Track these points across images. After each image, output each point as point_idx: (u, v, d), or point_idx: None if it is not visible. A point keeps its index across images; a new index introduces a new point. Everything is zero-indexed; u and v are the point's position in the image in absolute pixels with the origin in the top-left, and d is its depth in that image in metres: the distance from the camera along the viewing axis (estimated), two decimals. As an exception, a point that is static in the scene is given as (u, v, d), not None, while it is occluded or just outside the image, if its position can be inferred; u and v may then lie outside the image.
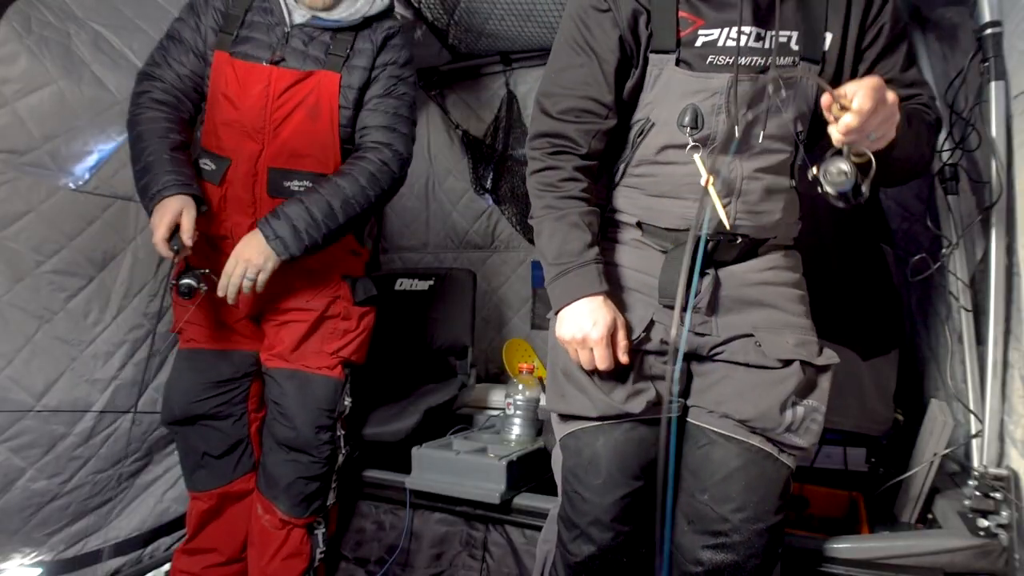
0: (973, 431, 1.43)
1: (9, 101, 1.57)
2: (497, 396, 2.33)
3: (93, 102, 1.73)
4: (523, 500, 1.74)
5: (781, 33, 1.14)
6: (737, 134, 1.13)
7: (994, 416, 1.37)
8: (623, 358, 1.19)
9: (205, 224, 1.60)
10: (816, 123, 1.21)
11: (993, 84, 1.37)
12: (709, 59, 1.16)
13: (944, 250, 1.53)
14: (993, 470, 1.34)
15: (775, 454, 1.18)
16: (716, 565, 1.15)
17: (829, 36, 1.17)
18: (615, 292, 1.27)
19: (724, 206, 1.17)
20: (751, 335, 1.22)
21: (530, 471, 1.81)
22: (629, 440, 1.20)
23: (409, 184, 2.93)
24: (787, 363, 1.20)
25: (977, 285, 1.48)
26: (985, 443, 1.37)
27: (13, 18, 1.56)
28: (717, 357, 1.25)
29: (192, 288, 1.52)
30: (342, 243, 1.76)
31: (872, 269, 1.93)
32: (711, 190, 1.11)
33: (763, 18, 1.14)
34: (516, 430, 1.97)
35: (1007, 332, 1.36)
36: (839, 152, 1.00)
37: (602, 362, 1.18)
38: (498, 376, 2.71)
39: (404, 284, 2.54)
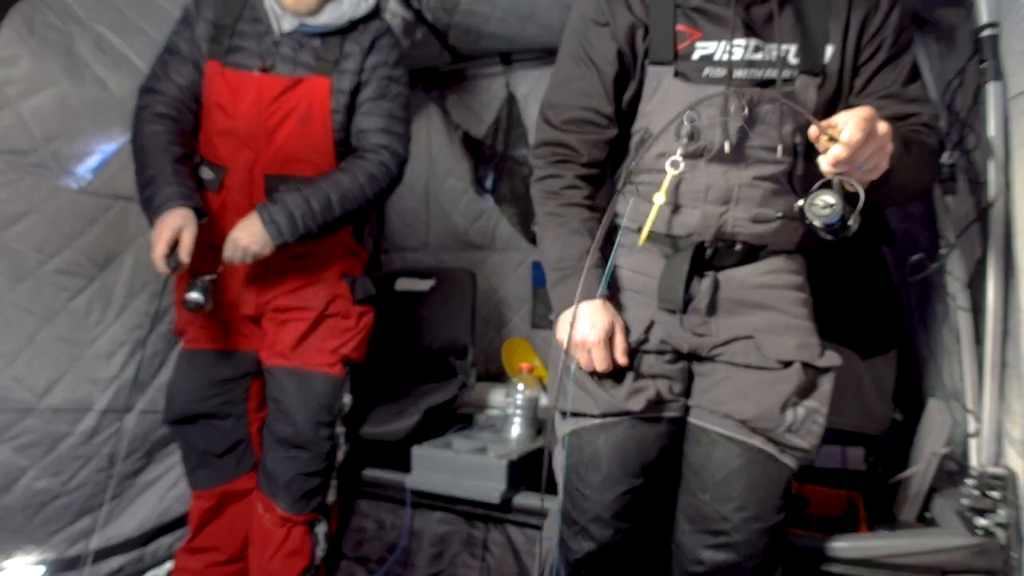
0: (971, 430, 1.43)
1: (11, 102, 1.57)
2: (497, 396, 2.33)
3: (95, 103, 1.73)
4: (523, 499, 1.74)
5: (780, 46, 1.15)
6: (727, 149, 1.15)
7: (992, 415, 1.37)
8: (621, 360, 1.21)
9: (206, 232, 1.62)
10: None
11: (991, 85, 1.36)
12: (705, 72, 1.17)
13: (942, 250, 1.54)
14: (991, 469, 1.34)
15: (776, 454, 1.19)
16: (717, 565, 1.16)
17: (830, 48, 1.17)
18: (616, 293, 1.29)
19: (721, 213, 1.20)
20: (751, 337, 1.23)
21: (530, 470, 1.82)
22: (630, 438, 1.21)
23: (409, 184, 2.94)
24: (787, 364, 1.20)
25: (975, 285, 1.48)
26: (983, 442, 1.38)
27: (15, 19, 1.57)
28: (718, 358, 1.26)
29: (199, 304, 1.55)
30: (341, 243, 1.78)
31: (871, 269, 1.94)
32: (654, 211, 1.15)
33: (762, 31, 1.15)
34: (516, 430, 1.98)
35: (1005, 332, 1.36)
36: (827, 184, 0.99)
37: (600, 363, 1.20)
38: (498, 376, 2.71)
39: (404, 284, 2.54)
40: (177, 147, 1.64)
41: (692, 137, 1.15)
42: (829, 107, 1.20)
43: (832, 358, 1.23)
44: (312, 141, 1.67)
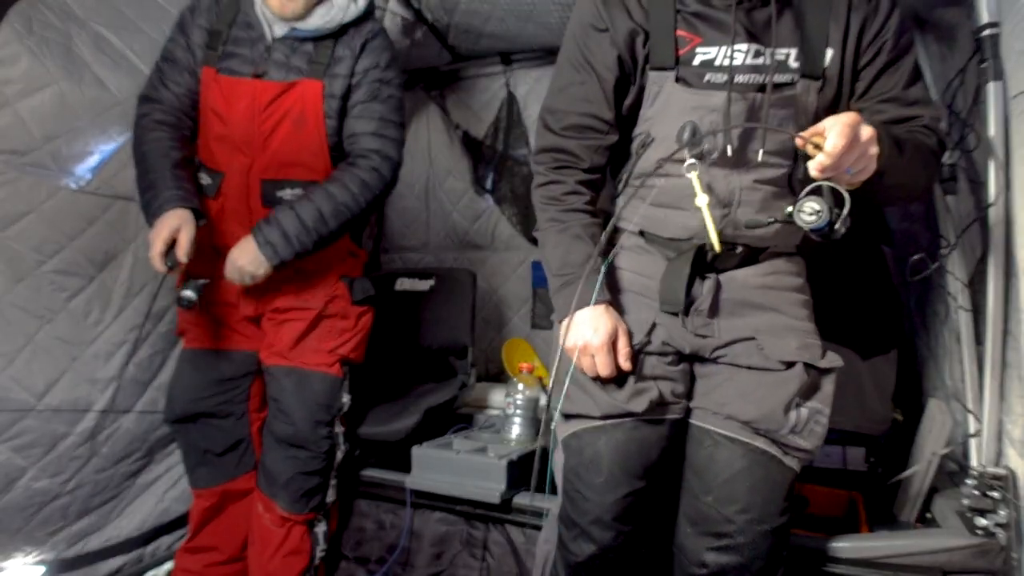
0: (971, 431, 1.43)
1: (10, 102, 1.57)
2: (497, 396, 2.33)
3: (94, 103, 1.73)
4: (523, 499, 1.74)
5: (779, 50, 1.15)
6: (729, 152, 1.15)
7: (992, 416, 1.37)
8: (625, 365, 1.21)
9: (206, 235, 1.64)
10: None
11: (991, 85, 1.37)
12: (707, 77, 1.17)
13: (943, 250, 1.54)
14: (991, 469, 1.34)
15: (779, 456, 1.18)
16: (721, 567, 1.16)
17: (830, 52, 1.17)
18: (618, 295, 1.29)
19: (723, 216, 1.20)
20: (753, 338, 1.23)
21: (530, 470, 1.81)
22: (631, 440, 1.21)
23: (409, 184, 2.95)
24: (790, 365, 1.20)
25: (976, 285, 1.48)
26: (983, 442, 1.38)
27: (14, 19, 1.56)
28: (720, 360, 1.26)
29: (192, 301, 1.57)
30: (340, 245, 1.78)
31: (871, 269, 1.93)
32: (705, 211, 1.14)
33: (762, 35, 1.15)
34: (516, 430, 1.98)
35: (1005, 332, 1.36)
36: (817, 190, 1.02)
37: (604, 369, 1.20)
38: (498, 376, 2.71)
39: (404, 284, 2.54)
40: (177, 152, 1.65)
41: (694, 142, 1.16)
42: (830, 110, 1.20)
43: (833, 359, 1.23)
44: (306, 145, 1.67)
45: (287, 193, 1.68)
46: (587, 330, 1.19)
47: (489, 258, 2.89)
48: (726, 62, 1.15)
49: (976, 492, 1.33)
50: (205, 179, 1.72)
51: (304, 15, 1.62)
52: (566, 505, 1.26)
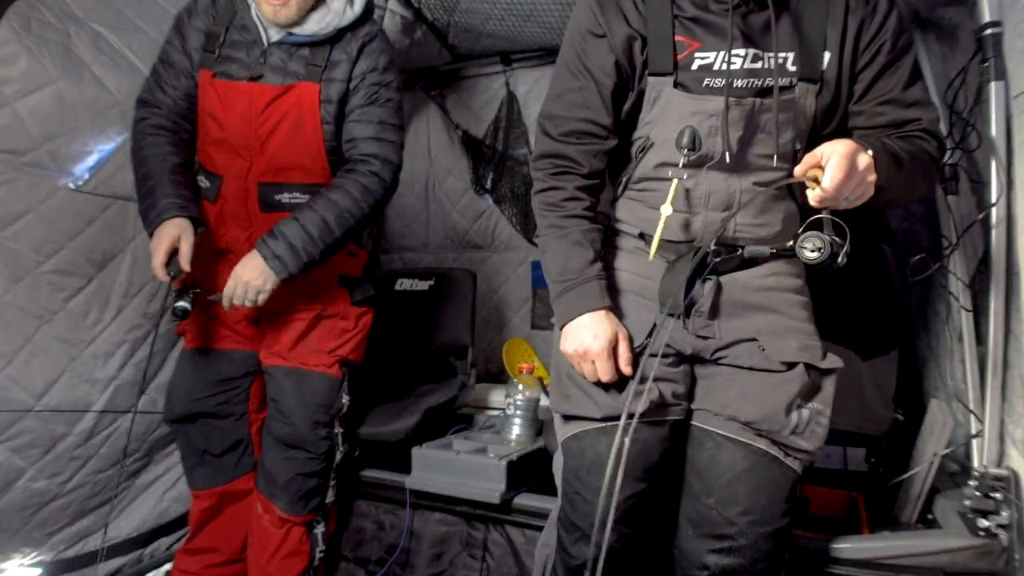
0: (973, 431, 1.43)
1: (9, 101, 1.57)
2: (497, 396, 2.32)
3: (93, 102, 1.73)
4: (523, 500, 1.74)
5: (778, 54, 1.15)
6: (727, 159, 1.16)
7: (994, 416, 1.37)
8: (626, 370, 1.21)
9: (207, 239, 1.65)
10: (815, 139, 1.22)
11: (993, 84, 1.36)
12: (705, 82, 1.17)
13: (944, 250, 1.53)
14: (993, 470, 1.34)
15: (781, 457, 1.18)
16: (722, 569, 1.15)
17: (828, 55, 1.17)
18: (619, 296, 1.29)
19: (723, 219, 1.21)
20: (754, 339, 1.23)
21: (530, 471, 1.81)
22: (632, 442, 1.20)
23: (409, 184, 2.95)
24: (791, 366, 1.20)
25: (977, 285, 1.48)
26: (985, 443, 1.37)
27: (13, 18, 1.56)
28: (721, 361, 1.25)
29: (187, 311, 1.57)
30: None
31: (872, 269, 1.93)
32: (662, 221, 1.17)
33: (759, 40, 1.15)
34: (516, 430, 1.97)
35: (1007, 332, 1.36)
36: (816, 223, 1.04)
37: (604, 374, 1.20)
38: (498, 376, 2.71)
39: (404, 284, 2.54)
40: (176, 157, 1.65)
41: (693, 147, 1.16)
42: (828, 113, 1.21)
43: (834, 360, 1.23)
44: (304, 148, 1.66)
45: (285, 197, 1.68)
46: (587, 336, 1.19)
47: (489, 258, 2.89)
48: (724, 67, 1.15)
49: (978, 493, 1.32)
50: (204, 182, 1.72)
51: (299, 20, 1.61)
52: (566, 508, 1.25)
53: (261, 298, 1.59)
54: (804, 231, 1.04)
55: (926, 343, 1.87)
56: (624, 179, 1.31)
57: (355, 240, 1.84)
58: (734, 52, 1.14)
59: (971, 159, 1.51)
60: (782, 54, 1.15)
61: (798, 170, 1.01)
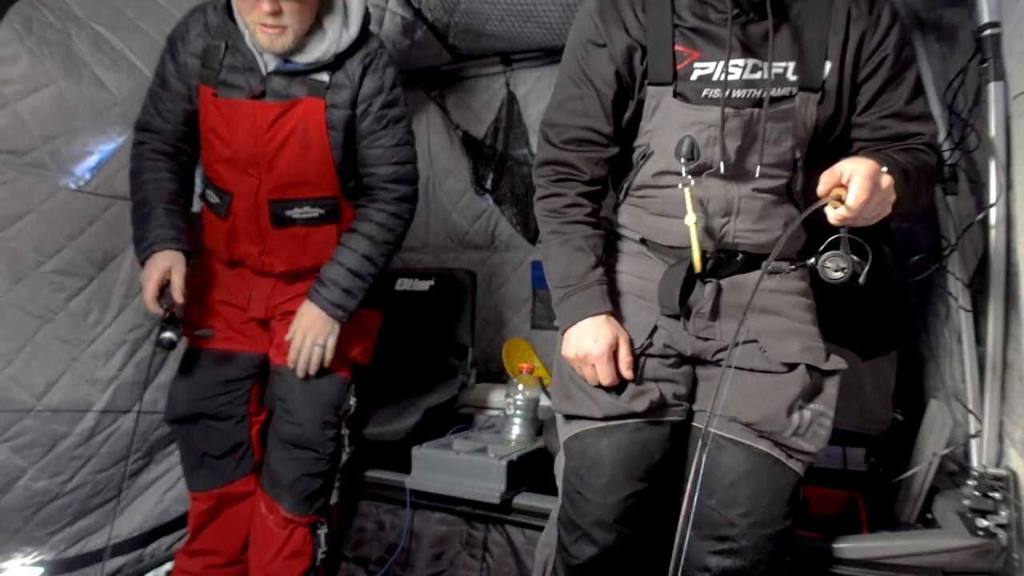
0: (972, 431, 1.43)
1: (10, 101, 1.57)
2: (497, 396, 2.33)
3: (93, 102, 1.73)
4: (523, 500, 1.74)
5: (777, 64, 1.16)
6: (723, 169, 1.17)
7: (993, 416, 1.37)
8: (627, 374, 1.22)
9: (223, 250, 1.73)
10: (815, 146, 1.23)
11: (992, 85, 1.36)
12: (704, 92, 1.18)
13: (943, 251, 1.54)
14: (992, 470, 1.34)
15: (783, 459, 1.18)
16: (724, 571, 1.15)
17: (829, 65, 1.17)
18: (619, 298, 1.30)
19: (722, 225, 1.22)
20: (755, 341, 1.23)
21: (530, 471, 1.81)
22: (633, 442, 1.21)
23: (409, 184, 2.94)
24: (792, 367, 1.21)
25: (976, 285, 1.48)
26: (984, 443, 1.37)
27: (14, 19, 1.56)
28: (722, 362, 1.26)
29: (173, 342, 1.59)
30: None
31: (872, 269, 1.93)
32: (692, 230, 1.17)
33: (758, 50, 1.16)
34: (516, 430, 1.97)
35: (1006, 332, 1.36)
36: (835, 243, 1.05)
37: (604, 378, 1.21)
38: (498, 376, 2.71)
39: (404, 284, 2.53)
40: (173, 183, 1.68)
41: (692, 157, 1.17)
42: (830, 124, 1.22)
43: (837, 362, 1.24)
44: (313, 164, 1.65)
45: (296, 212, 1.69)
46: (588, 340, 1.20)
47: (489, 258, 2.89)
48: (723, 77, 1.16)
49: (977, 493, 1.33)
50: (213, 198, 1.73)
51: (297, 49, 1.56)
52: (566, 507, 1.26)
53: (331, 343, 1.67)
54: (824, 250, 1.05)
55: (925, 343, 1.87)
56: (625, 185, 1.32)
57: None
58: (733, 62, 1.15)
59: (970, 159, 1.51)
60: (782, 63, 1.16)
61: (821, 189, 1.01)
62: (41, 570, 1.75)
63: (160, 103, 1.67)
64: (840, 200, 0.98)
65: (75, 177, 1.72)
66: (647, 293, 1.28)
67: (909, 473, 1.60)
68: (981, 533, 1.31)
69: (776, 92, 1.16)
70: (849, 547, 1.39)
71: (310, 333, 1.65)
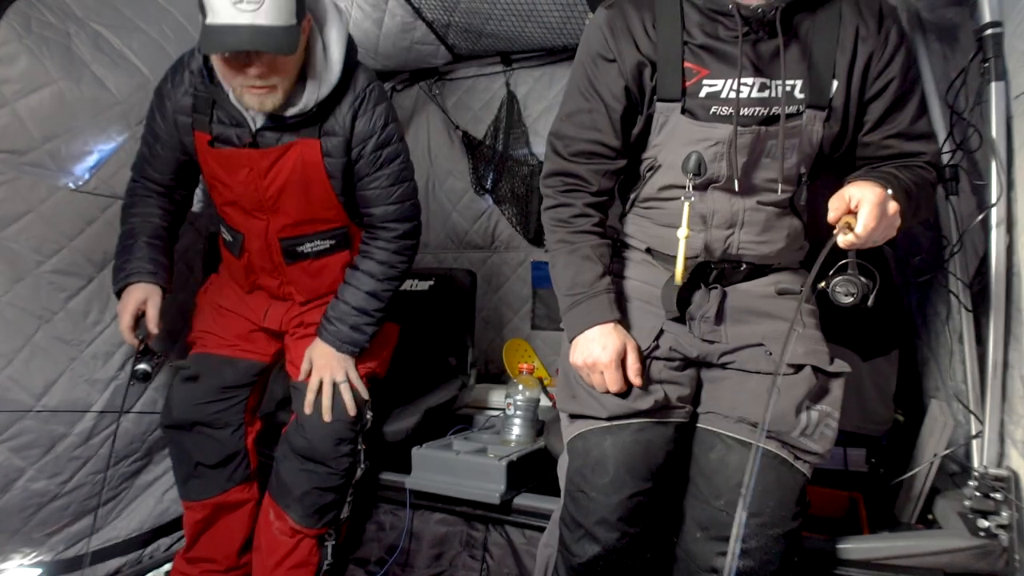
0: (973, 431, 1.43)
1: (9, 101, 1.56)
2: (497, 396, 2.32)
3: (93, 102, 1.73)
4: (523, 500, 1.73)
5: (785, 82, 1.16)
6: (738, 187, 1.19)
7: (994, 417, 1.37)
8: (636, 381, 1.23)
9: (243, 282, 1.81)
10: (820, 162, 1.25)
11: (993, 85, 1.36)
12: (712, 109, 1.19)
13: (944, 251, 1.53)
14: (993, 471, 1.34)
15: (791, 460, 1.19)
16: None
17: (836, 83, 1.18)
18: (626, 303, 1.32)
19: (727, 236, 1.24)
20: (761, 344, 1.25)
21: (530, 471, 1.81)
22: (637, 442, 1.21)
23: (409, 184, 2.94)
24: (798, 368, 1.22)
25: (977, 285, 1.48)
26: (985, 444, 1.37)
27: (13, 18, 1.56)
28: (728, 366, 1.28)
29: (148, 374, 1.62)
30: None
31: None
32: (681, 243, 1.19)
33: (767, 68, 1.17)
34: (516, 430, 1.97)
35: (1007, 332, 1.36)
36: (844, 268, 1.07)
37: (612, 384, 1.22)
38: (498, 376, 2.71)
39: (404, 284, 2.52)
40: (160, 220, 1.71)
41: (699, 172, 1.18)
42: (836, 141, 1.23)
43: (841, 365, 1.25)
44: (317, 202, 1.66)
45: (307, 247, 1.72)
46: (596, 348, 1.22)
47: (489, 258, 2.89)
48: (732, 95, 1.17)
49: (978, 493, 1.32)
50: (228, 236, 1.77)
51: (281, 108, 1.52)
52: (569, 506, 1.26)
53: (353, 375, 1.71)
54: (834, 274, 1.07)
55: (926, 343, 1.87)
56: (632, 196, 1.34)
57: None
58: (742, 81, 1.16)
59: (972, 160, 1.51)
60: (791, 81, 1.17)
61: (831, 216, 1.04)
62: (40, 571, 1.75)
63: (153, 154, 1.69)
64: (849, 227, 1.02)
65: (74, 177, 1.72)
66: (653, 298, 1.30)
67: (910, 474, 1.60)
68: (982, 534, 1.31)
69: (785, 109, 1.17)
70: (850, 548, 1.38)
71: (326, 374, 1.68)
